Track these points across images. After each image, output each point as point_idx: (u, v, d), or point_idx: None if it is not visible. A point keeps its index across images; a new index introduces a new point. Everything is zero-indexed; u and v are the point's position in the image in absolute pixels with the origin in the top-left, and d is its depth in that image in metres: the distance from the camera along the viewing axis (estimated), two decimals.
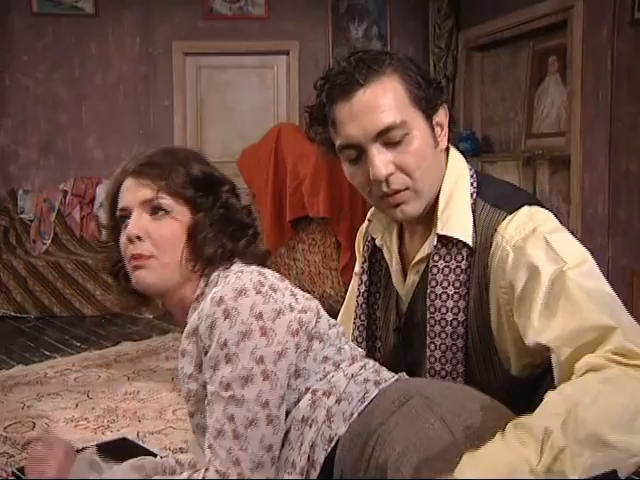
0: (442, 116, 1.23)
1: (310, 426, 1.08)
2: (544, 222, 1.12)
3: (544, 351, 1.02)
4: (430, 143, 1.20)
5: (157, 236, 1.16)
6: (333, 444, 1.06)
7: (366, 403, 1.08)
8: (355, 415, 1.07)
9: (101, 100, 5.20)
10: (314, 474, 1.05)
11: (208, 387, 1.08)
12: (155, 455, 1.45)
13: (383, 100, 1.15)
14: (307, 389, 1.11)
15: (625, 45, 3.38)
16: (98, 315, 4.53)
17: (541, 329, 1.02)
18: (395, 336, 1.32)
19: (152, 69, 5.25)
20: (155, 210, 1.17)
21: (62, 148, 5.21)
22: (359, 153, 1.18)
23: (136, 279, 1.17)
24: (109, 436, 2.34)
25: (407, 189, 1.18)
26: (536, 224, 1.11)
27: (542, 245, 1.08)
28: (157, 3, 5.14)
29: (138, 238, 1.15)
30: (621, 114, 3.40)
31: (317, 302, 1.18)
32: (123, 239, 1.19)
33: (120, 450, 1.68)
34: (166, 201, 1.17)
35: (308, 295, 1.17)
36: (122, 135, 5.19)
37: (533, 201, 1.19)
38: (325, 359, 1.13)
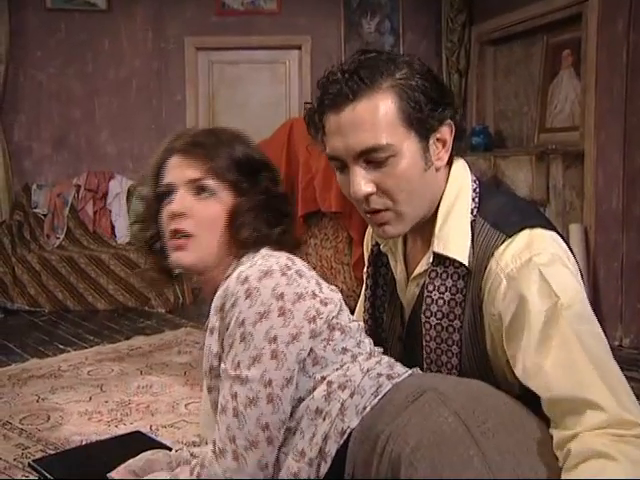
0: (446, 133, 1.16)
1: (324, 419, 1.09)
2: (542, 251, 1.07)
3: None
4: (419, 165, 1.14)
5: (200, 216, 1.18)
6: (345, 437, 1.06)
7: (379, 397, 1.08)
8: (368, 409, 1.07)
9: (114, 95, 5.22)
10: (324, 466, 1.07)
11: (222, 364, 1.11)
12: (170, 449, 1.46)
13: (371, 119, 1.10)
14: (323, 378, 1.12)
15: None
16: (111, 309, 4.56)
17: (532, 372, 1.01)
18: (399, 345, 1.31)
19: (164, 64, 5.26)
20: (200, 190, 1.19)
21: (75, 143, 5.24)
22: (343, 166, 1.16)
23: (175, 259, 1.20)
24: (122, 429, 2.36)
25: (388, 210, 1.15)
26: (533, 253, 1.07)
27: (536, 278, 1.05)
28: None
29: (182, 215, 1.17)
30: (636, 109, 3.37)
31: (340, 295, 1.18)
32: (165, 214, 1.21)
33: (134, 443, 1.69)
34: (212, 183, 1.19)
35: (333, 287, 1.18)
36: (134, 130, 5.21)
37: (536, 221, 1.13)
38: (344, 350, 1.15)
